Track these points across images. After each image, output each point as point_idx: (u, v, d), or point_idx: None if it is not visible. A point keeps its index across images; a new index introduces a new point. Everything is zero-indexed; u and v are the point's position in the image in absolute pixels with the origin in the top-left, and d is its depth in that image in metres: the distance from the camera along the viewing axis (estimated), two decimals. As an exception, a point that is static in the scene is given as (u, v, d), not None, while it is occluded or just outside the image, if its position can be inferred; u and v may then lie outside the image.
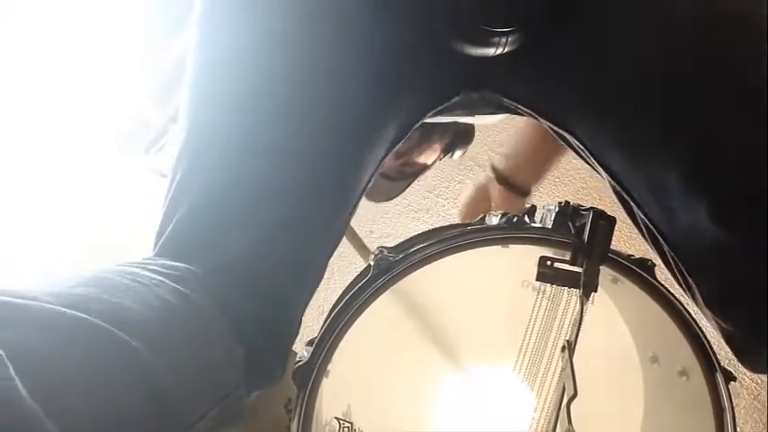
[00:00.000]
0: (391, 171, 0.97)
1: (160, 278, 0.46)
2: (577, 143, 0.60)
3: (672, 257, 0.57)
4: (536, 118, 0.61)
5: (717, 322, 0.56)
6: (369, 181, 0.60)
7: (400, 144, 0.61)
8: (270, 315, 0.52)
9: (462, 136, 0.95)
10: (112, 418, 0.35)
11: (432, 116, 0.62)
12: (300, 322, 0.56)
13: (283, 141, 0.55)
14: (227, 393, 0.47)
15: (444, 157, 0.98)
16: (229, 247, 0.51)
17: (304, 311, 0.56)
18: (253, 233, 0.52)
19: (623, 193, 0.58)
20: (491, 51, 0.56)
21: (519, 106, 0.62)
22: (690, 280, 0.56)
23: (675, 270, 0.57)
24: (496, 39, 0.54)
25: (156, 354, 0.39)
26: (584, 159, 0.61)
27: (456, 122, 0.93)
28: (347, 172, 0.57)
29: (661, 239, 0.57)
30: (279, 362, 0.54)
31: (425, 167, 1.00)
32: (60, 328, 0.36)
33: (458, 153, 0.96)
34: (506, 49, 0.56)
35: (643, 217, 0.57)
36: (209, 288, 0.48)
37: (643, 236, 0.60)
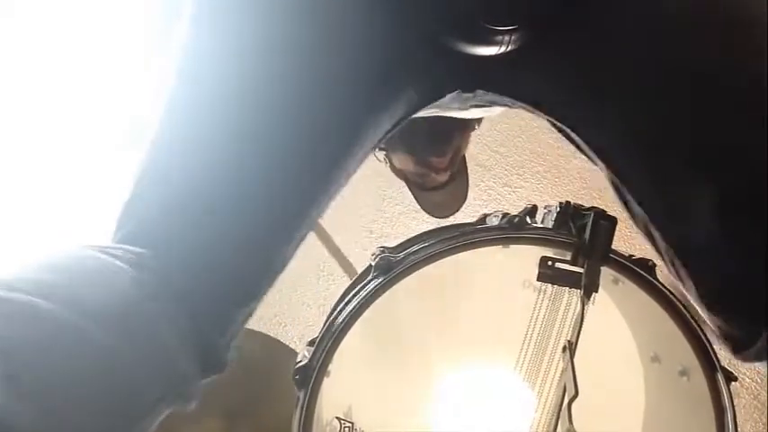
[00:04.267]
0: (447, 179, 0.97)
1: (121, 264, 0.47)
2: (578, 138, 0.60)
3: (667, 252, 0.57)
4: (535, 113, 0.62)
5: (709, 315, 0.56)
6: (350, 176, 0.60)
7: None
8: (224, 305, 0.52)
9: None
10: (84, 400, 0.38)
11: (422, 111, 0.63)
12: (253, 312, 0.56)
13: (262, 134, 0.54)
14: (180, 381, 0.48)
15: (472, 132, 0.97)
16: (193, 239, 0.51)
17: (260, 302, 0.56)
18: (218, 227, 0.52)
19: (622, 188, 0.58)
20: (494, 50, 0.55)
21: (517, 102, 0.62)
22: (684, 274, 0.56)
23: (670, 264, 0.57)
24: (499, 37, 0.54)
25: (118, 339, 0.42)
26: (584, 153, 0.61)
27: None
28: (329, 169, 0.57)
29: (658, 234, 0.57)
30: (228, 351, 0.54)
31: (464, 155, 1.00)
32: (36, 320, 0.38)
33: (476, 127, 0.95)
34: (509, 48, 0.55)
35: (641, 211, 0.57)
36: (167, 277, 0.49)
37: (637, 224, 0.60)
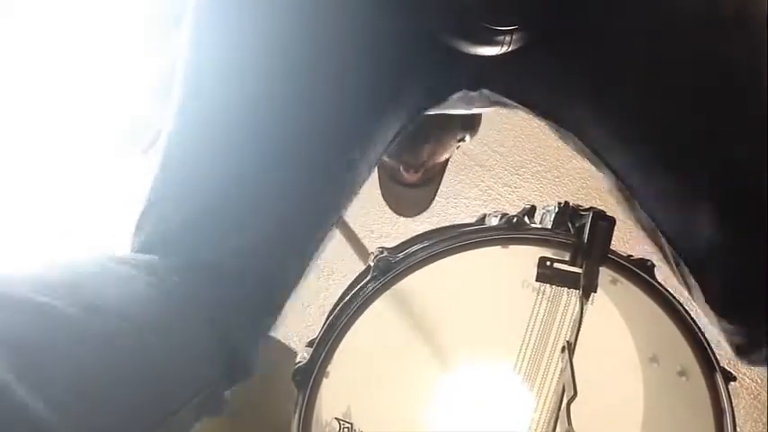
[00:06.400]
0: (416, 180, 0.96)
1: (136, 272, 0.47)
2: (579, 141, 0.60)
3: (672, 255, 0.57)
4: (538, 117, 0.62)
5: (716, 319, 0.56)
6: (364, 179, 0.60)
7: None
8: (248, 314, 0.53)
9: (469, 122, 0.95)
10: (104, 398, 0.37)
11: (428, 112, 0.63)
12: (278, 317, 0.56)
13: (279, 140, 0.55)
14: (207, 386, 0.48)
15: (458, 147, 0.97)
16: (215, 246, 0.51)
17: (284, 305, 0.56)
18: (243, 233, 0.52)
19: (625, 191, 0.58)
20: (495, 50, 0.55)
21: (518, 105, 0.62)
22: (690, 278, 0.56)
23: (675, 267, 0.57)
24: (501, 37, 0.54)
25: (139, 339, 0.42)
26: (585, 156, 0.61)
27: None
28: (344, 172, 0.57)
29: (662, 237, 0.57)
30: (254, 357, 0.54)
31: (445, 164, 1.00)
32: (60, 324, 0.38)
33: (467, 138, 0.95)
34: (510, 48, 0.55)
35: (645, 215, 0.57)
36: (190, 285, 0.49)
37: (643, 230, 0.60)
